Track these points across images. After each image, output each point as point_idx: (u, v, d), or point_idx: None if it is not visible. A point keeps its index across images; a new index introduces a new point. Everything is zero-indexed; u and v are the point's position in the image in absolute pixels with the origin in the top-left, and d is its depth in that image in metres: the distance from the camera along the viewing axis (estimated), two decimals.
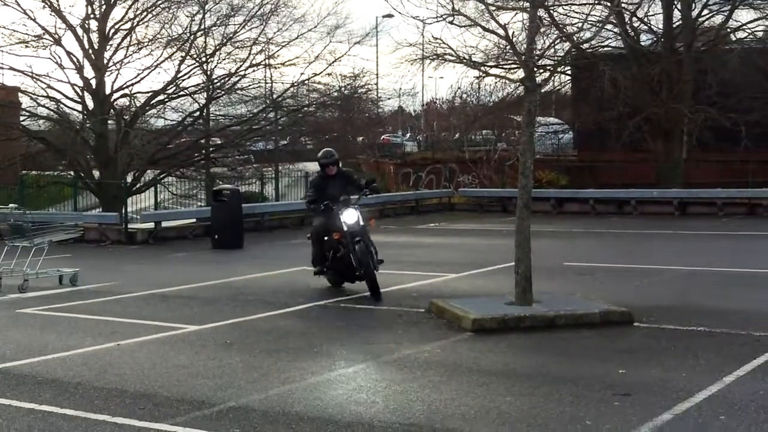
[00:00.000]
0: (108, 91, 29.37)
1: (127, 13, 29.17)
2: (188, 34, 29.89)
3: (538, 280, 11.59)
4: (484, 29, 12.64)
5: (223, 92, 31.46)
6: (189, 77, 30.61)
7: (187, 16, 30.04)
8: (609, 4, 14.69)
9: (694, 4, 31.28)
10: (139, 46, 29.70)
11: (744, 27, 31.90)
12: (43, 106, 30.12)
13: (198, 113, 31.62)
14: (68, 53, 28.72)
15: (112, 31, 29.18)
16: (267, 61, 31.43)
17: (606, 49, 32.46)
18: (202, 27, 30.04)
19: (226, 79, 30.96)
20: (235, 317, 11.70)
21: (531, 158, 11.45)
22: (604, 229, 24.40)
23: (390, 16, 32.47)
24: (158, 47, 29.91)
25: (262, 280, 15.47)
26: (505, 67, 24.49)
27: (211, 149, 32.38)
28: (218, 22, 30.44)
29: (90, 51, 28.91)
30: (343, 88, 34.39)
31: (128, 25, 29.24)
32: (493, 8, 12.17)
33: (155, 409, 7.46)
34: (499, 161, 35.04)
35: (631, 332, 10.29)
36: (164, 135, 31.73)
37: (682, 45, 31.16)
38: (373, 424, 6.92)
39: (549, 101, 40.19)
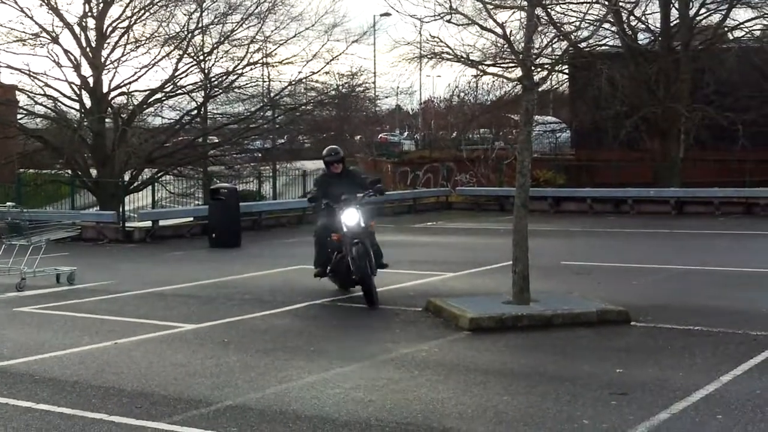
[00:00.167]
0: (105, 89, 29.39)
1: (124, 11, 29.22)
2: (186, 32, 29.92)
3: (536, 279, 11.59)
4: (482, 28, 12.63)
5: (220, 90, 31.49)
6: (186, 75, 30.68)
7: (185, 14, 30.11)
8: (606, 2, 14.68)
9: (691, 3, 31.26)
10: (137, 45, 29.74)
11: (741, 26, 31.89)
12: (41, 104, 30.20)
13: (195, 112, 31.66)
14: (66, 51, 28.75)
15: (110, 29, 29.19)
16: (264, 59, 31.49)
17: (603, 47, 32.47)
18: (200, 25, 30.10)
19: (224, 77, 30.99)
20: (233, 316, 11.70)
21: (528, 157, 11.46)
22: (602, 228, 24.42)
23: (387, 14, 32.36)
24: (156, 45, 29.99)
25: (260, 278, 15.46)
26: (502, 65, 24.47)
27: (209, 148, 32.39)
28: (216, 20, 30.53)
29: (87, 49, 28.91)
30: (340, 87, 34.42)
31: (126, 23, 29.27)
32: (491, 7, 12.15)
33: (152, 407, 7.46)
34: (497, 160, 35.05)
35: (629, 331, 10.29)
36: (162, 133, 31.75)
37: (680, 44, 31.15)
38: (370, 423, 6.92)
39: (546, 100, 40.20)
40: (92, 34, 29.03)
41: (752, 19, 31.56)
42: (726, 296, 12.65)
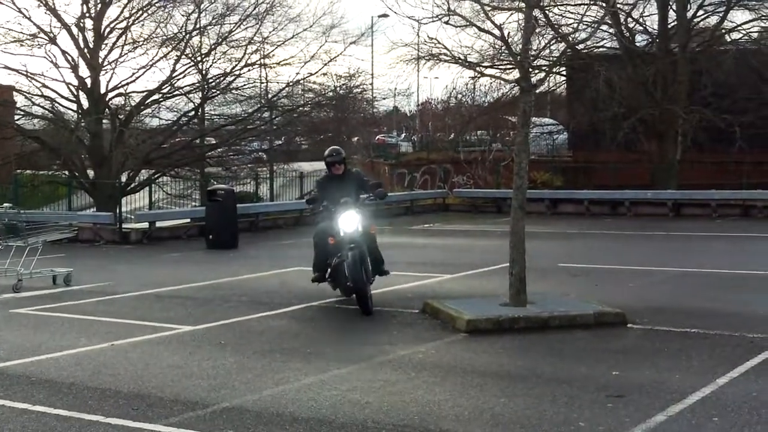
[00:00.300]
0: (103, 90, 29.35)
1: (122, 12, 29.17)
2: (183, 34, 29.89)
3: (533, 281, 11.60)
4: (480, 29, 12.66)
5: (218, 92, 31.45)
6: (184, 76, 30.62)
7: (183, 15, 30.08)
8: (604, 4, 14.71)
9: (689, 5, 31.32)
10: (135, 45, 29.69)
11: (739, 28, 31.97)
12: (38, 105, 30.13)
13: (193, 113, 31.62)
14: (63, 52, 28.70)
15: (108, 29, 29.14)
16: (262, 60, 31.45)
17: (601, 49, 32.49)
18: (198, 26, 30.07)
19: (221, 78, 30.96)
20: (229, 318, 11.69)
21: (526, 159, 11.47)
22: (599, 230, 24.43)
23: (385, 16, 32.49)
24: (153, 46, 29.93)
25: (256, 280, 15.46)
26: (500, 67, 24.46)
27: (206, 150, 32.37)
28: (213, 21, 30.48)
29: (85, 50, 28.86)
30: (338, 88, 34.41)
31: (123, 24, 29.22)
32: (489, 8, 12.17)
33: (149, 409, 7.45)
34: (494, 162, 35.03)
35: (625, 333, 10.30)
36: (159, 134, 31.71)
37: (677, 46, 31.20)
38: (367, 425, 6.92)
39: (544, 102, 40.29)
40: (90, 35, 29.00)
41: (750, 21, 31.69)
42: (722, 298, 12.66)
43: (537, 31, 17.42)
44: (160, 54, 29.78)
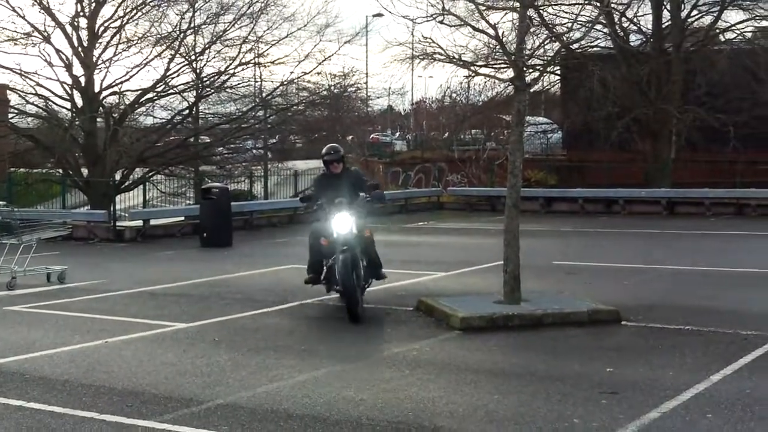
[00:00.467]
0: (97, 88, 29.33)
1: (116, 10, 29.17)
2: (178, 32, 29.90)
3: (527, 279, 11.62)
4: (474, 29, 12.64)
5: (212, 90, 31.45)
6: (178, 75, 30.64)
7: (177, 14, 30.08)
8: (598, 4, 14.73)
9: (683, 5, 31.36)
10: (129, 44, 29.69)
11: (733, 28, 31.99)
12: (32, 103, 30.11)
13: (187, 111, 31.62)
14: (57, 51, 28.69)
15: (102, 28, 29.14)
16: (256, 59, 31.46)
17: (595, 49, 32.55)
18: (192, 25, 30.05)
19: (216, 77, 30.96)
20: (224, 315, 11.70)
21: (520, 158, 11.48)
22: (593, 228, 24.47)
23: (380, 15, 32.49)
24: (148, 45, 29.93)
25: (251, 278, 15.46)
26: (494, 66, 24.38)
27: (200, 148, 32.34)
28: (208, 20, 30.48)
29: (79, 49, 28.85)
30: (332, 87, 34.42)
31: (118, 23, 29.23)
32: (483, 8, 12.18)
33: (143, 406, 7.45)
34: (488, 160, 35.10)
35: (619, 331, 10.32)
36: (153, 133, 31.70)
37: (671, 45, 31.24)
38: (361, 422, 6.93)
39: (538, 101, 40.29)
40: (84, 34, 28.99)
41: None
42: (716, 296, 12.69)
43: (531, 30, 17.43)
44: (155, 53, 29.83)
